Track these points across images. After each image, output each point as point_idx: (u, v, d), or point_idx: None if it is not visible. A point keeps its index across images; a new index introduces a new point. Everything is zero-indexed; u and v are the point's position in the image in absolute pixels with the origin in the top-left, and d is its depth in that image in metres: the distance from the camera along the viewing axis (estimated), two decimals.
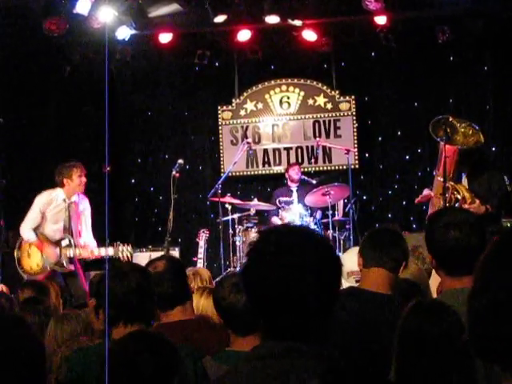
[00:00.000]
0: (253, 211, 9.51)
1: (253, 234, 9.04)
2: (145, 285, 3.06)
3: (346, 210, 9.45)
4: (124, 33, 9.60)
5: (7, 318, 2.48)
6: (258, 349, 1.82)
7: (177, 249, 9.99)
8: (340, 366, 1.77)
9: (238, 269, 8.70)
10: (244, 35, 10.34)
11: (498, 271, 1.46)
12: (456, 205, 6.49)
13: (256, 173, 11.07)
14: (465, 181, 7.03)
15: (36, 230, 7.64)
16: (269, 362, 1.75)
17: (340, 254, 8.86)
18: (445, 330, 2.22)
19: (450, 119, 6.80)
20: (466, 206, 6.48)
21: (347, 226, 9.33)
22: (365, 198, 10.83)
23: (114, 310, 2.97)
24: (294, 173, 9.72)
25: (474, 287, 1.52)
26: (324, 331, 1.84)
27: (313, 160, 10.75)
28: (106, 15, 8.98)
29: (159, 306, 3.62)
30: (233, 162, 9.67)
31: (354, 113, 10.81)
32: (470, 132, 6.75)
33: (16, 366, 2.00)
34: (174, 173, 8.41)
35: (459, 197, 6.59)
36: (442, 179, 6.60)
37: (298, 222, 9.05)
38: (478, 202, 6.66)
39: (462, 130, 6.70)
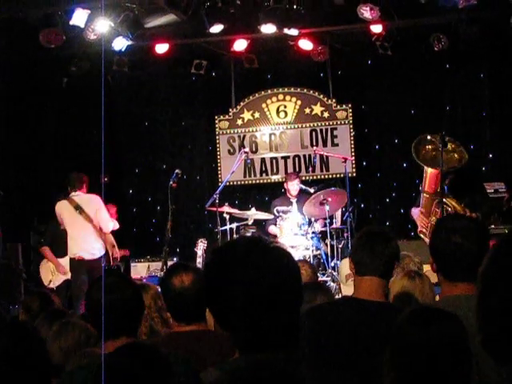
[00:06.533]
0: (251, 220, 9.50)
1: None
2: (134, 300, 3.05)
3: (344, 218, 9.44)
4: (120, 44, 9.61)
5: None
6: (252, 359, 1.83)
7: (175, 258, 9.99)
8: None
9: None
10: (240, 45, 10.36)
11: (500, 276, 1.49)
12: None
13: (254, 182, 11.08)
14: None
15: None
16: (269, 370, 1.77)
17: (338, 262, 8.87)
18: (443, 336, 2.21)
19: (431, 139, 6.84)
20: None
21: (345, 235, 9.31)
22: (362, 205, 10.84)
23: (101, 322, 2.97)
24: (293, 189, 9.59)
25: (481, 291, 1.54)
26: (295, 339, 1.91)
27: (310, 169, 10.74)
28: (103, 26, 8.99)
29: (176, 317, 3.46)
30: (230, 171, 9.65)
31: (350, 121, 10.82)
32: (456, 150, 6.76)
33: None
34: (171, 183, 8.41)
35: (450, 209, 6.64)
36: (427, 196, 6.70)
37: (296, 231, 9.04)
38: (467, 211, 6.73)
39: (448, 148, 6.70)
